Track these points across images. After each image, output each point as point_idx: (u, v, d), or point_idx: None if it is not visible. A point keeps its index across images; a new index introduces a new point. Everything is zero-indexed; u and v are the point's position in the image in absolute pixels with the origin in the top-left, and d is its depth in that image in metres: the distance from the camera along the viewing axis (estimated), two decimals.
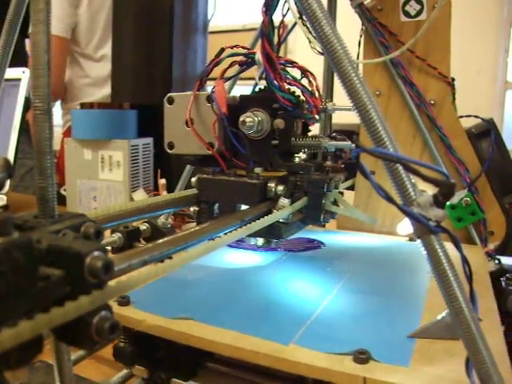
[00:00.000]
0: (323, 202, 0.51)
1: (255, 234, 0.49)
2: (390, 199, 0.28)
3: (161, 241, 0.30)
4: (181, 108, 0.51)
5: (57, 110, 1.60)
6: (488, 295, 0.51)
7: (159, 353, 0.44)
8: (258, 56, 0.48)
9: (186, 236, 0.32)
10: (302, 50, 0.91)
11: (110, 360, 0.52)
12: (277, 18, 0.49)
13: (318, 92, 0.53)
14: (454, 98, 0.76)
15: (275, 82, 0.48)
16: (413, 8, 0.75)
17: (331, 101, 0.63)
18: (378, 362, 0.36)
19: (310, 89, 0.52)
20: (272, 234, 0.49)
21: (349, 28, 0.70)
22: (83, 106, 1.05)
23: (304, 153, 0.55)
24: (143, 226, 0.42)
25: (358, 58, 0.79)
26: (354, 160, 0.61)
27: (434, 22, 0.70)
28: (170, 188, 0.93)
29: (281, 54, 0.51)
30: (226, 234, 0.37)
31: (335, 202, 0.53)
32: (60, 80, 1.48)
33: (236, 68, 0.53)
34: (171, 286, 0.50)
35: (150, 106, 1.11)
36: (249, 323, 0.41)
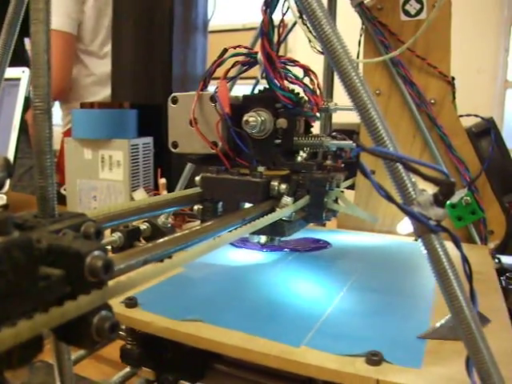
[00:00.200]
0: (325, 200, 0.51)
1: (259, 232, 0.50)
2: (390, 198, 0.28)
3: (161, 240, 0.30)
4: (185, 108, 0.51)
5: (56, 109, 1.59)
6: (496, 295, 0.50)
7: (166, 354, 0.43)
8: (260, 55, 0.48)
9: (187, 235, 0.32)
10: (302, 49, 0.91)
11: (110, 359, 0.52)
12: (277, 16, 0.49)
13: (320, 90, 0.53)
14: (454, 97, 0.76)
15: (275, 80, 0.48)
16: (413, 7, 0.75)
17: (332, 100, 0.63)
18: (390, 363, 0.35)
19: (311, 87, 0.52)
20: (275, 232, 0.49)
21: (349, 27, 0.70)
22: (83, 105, 1.05)
23: (305, 152, 0.55)
24: (143, 226, 0.42)
25: (357, 57, 0.79)
26: (354, 159, 0.61)
27: (434, 21, 0.70)
28: (170, 187, 0.93)
29: (281, 53, 0.51)
30: (230, 231, 0.37)
31: (336, 201, 0.54)
32: (67, 76, 1.46)
33: (237, 68, 0.53)
34: (178, 287, 0.50)
35: (150, 106, 1.12)
36: (258, 324, 0.41)
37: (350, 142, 0.54)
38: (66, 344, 0.22)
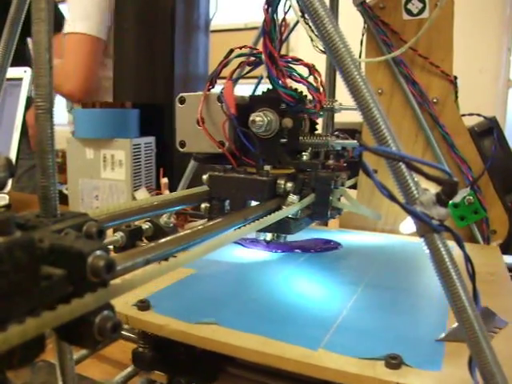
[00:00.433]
0: (330, 198, 0.52)
1: (265, 230, 0.51)
2: (392, 198, 0.28)
3: (163, 240, 0.30)
4: (192, 108, 0.52)
5: (56, 109, 1.59)
6: (511, 296, 0.50)
7: (179, 357, 0.43)
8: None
9: (189, 235, 0.32)
10: (304, 48, 0.90)
11: (112, 359, 0.52)
12: (279, 15, 0.49)
13: (323, 87, 0.54)
14: (456, 97, 0.76)
15: (277, 78, 0.49)
16: (415, 6, 0.75)
17: (336, 100, 0.63)
18: (409, 367, 0.35)
19: (315, 85, 0.53)
20: (281, 229, 0.50)
21: (351, 26, 0.70)
22: (85, 105, 1.05)
23: (306, 151, 0.55)
24: (145, 225, 0.42)
25: (360, 56, 0.79)
26: (356, 158, 0.61)
27: (437, 20, 0.70)
28: (172, 187, 0.93)
29: (283, 52, 0.51)
30: (238, 228, 0.37)
31: (339, 199, 0.54)
32: (92, 77, 1.45)
33: (243, 68, 0.54)
34: (190, 289, 0.49)
35: (152, 105, 1.12)
36: (273, 327, 0.40)
37: (354, 141, 0.55)
38: (68, 344, 0.22)
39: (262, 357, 0.37)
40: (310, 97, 0.53)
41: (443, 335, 0.39)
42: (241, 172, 0.50)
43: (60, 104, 1.61)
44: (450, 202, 0.28)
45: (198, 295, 0.48)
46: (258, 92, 0.56)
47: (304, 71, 0.53)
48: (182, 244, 0.31)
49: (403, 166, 0.28)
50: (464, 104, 0.77)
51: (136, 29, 1.15)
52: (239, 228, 0.37)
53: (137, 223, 0.41)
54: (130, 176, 0.98)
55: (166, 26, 1.12)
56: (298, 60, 0.52)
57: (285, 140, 0.51)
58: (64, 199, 1.04)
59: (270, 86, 0.51)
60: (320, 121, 0.59)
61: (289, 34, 0.82)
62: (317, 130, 0.57)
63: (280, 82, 0.49)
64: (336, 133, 0.56)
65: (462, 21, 0.90)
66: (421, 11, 0.74)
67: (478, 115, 0.77)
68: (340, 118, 0.82)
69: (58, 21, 1.28)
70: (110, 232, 0.38)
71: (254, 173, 0.49)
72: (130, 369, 0.48)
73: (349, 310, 0.45)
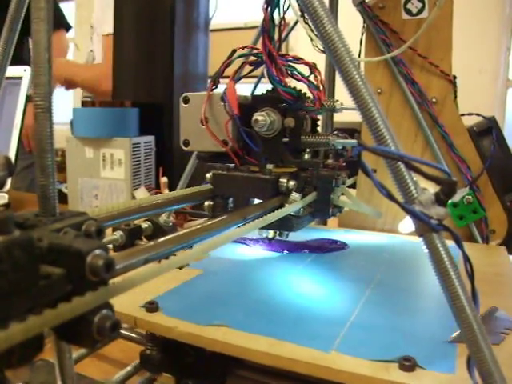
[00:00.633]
0: (331, 196, 0.53)
1: (268, 227, 0.52)
2: (391, 197, 0.28)
3: (162, 239, 0.30)
4: (196, 107, 0.53)
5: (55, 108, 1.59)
6: None
7: (187, 359, 0.42)
8: None
9: (188, 234, 0.32)
10: (303, 47, 0.90)
11: (111, 358, 0.52)
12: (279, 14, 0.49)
13: (323, 85, 0.54)
14: (455, 96, 0.76)
15: (276, 77, 0.49)
16: (414, 6, 0.75)
17: (338, 100, 0.63)
18: (424, 369, 0.34)
19: (315, 83, 0.53)
20: (284, 227, 0.51)
21: (350, 26, 0.70)
22: (85, 103, 1.05)
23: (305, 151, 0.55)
24: (145, 224, 0.42)
25: (359, 55, 0.79)
26: (355, 158, 0.61)
27: (436, 19, 0.70)
28: (172, 186, 0.92)
29: (283, 51, 0.52)
30: (243, 225, 0.38)
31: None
32: None
33: (245, 68, 0.54)
34: (198, 291, 0.49)
35: (152, 104, 1.12)
36: (285, 329, 0.40)
37: (355, 140, 0.55)
38: (67, 343, 0.22)
39: (274, 359, 0.37)
40: (311, 96, 0.53)
41: (454, 336, 0.39)
42: (244, 170, 0.51)
43: (59, 103, 1.61)
44: (449, 201, 0.28)
45: (206, 296, 0.48)
46: (259, 91, 0.57)
47: (305, 70, 0.53)
48: (182, 243, 0.31)
49: (402, 166, 0.28)
50: (463, 104, 0.77)
51: (135, 28, 1.15)
52: (243, 225, 0.38)
53: (136, 222, 0.41)
54: (129, 175, 0.98)
55: (165, 25, 1.12)
56: (299, 59, 0.53)
57: (287, 139, 0.52)
58: (63, 198, 1.04)
59: (272, 86, 0.51)
60: (319, 121, 0.59)
61: (288, 33, 0.82)
62: (318, 129, 0.57)
63: (279, 80, 0.50)
64: (335, 132, 0.56)
65: (462, 20, 0.90)
66: (420, 11, 0.74)
67: (477, 115, 0.77)
68: (339, 117, 0.82)
69: (57, 19, 1.29)
70: (109, 231, 0.38)
71: (257, 171, 0.50)
72: (129, 368, 0.48)
73: (359, 311, 0.44)
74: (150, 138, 1.07)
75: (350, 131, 0.66)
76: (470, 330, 0.28)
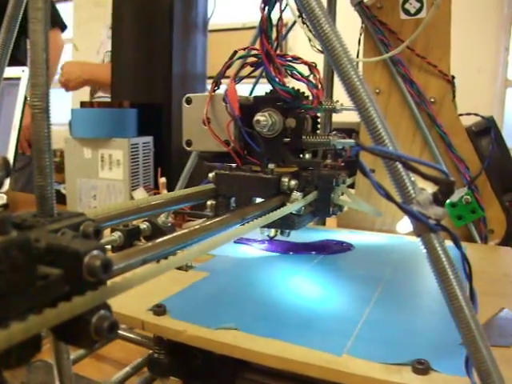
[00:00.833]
0: (332, 195, 0.54)
1: (270, 226, 0.53)
2: (389, 197, 0.28)
3: (160, 239, 0.30)
4: (198, 108, 0.54)
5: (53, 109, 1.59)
6: None
7: (195, 363, 0.42)
8: None
9: (187, 234, 0.32)
10: (301, 48, 0.90)
11: (110, 358, 0.52)
12: (276, 14, 0.49)
13: (321, 84, 0.54)
14: (454, 96, 0.76)
15: (274, 76, 0.50)
16: (412, 6, 0.75)
17: (338, 100, 0.63)
18: (437, 372, 0.34)
19: (314, 82, 0.53)
20: (286, 225, 0.52)
21: (348, 26, 0.70)
22: (83, 104, 1.05)
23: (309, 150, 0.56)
24: (143, 225, 0.42)
25: (357, 56, 0.79)
26: (353, 158, 0.61)
27: (434, 19, 0.70)
28: (170, 187, 0.92)
29: (282, 51, 0.52)
30: (246, 223, 0.38)
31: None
32: None
33: (246, 68, 0.55)
34: (205, 293, 0.49)
35: (150, 105, 1.12)
36: (295, 332, 0.39)
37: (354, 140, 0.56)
38: (65, 343, 0.22)
39: (286, 363, 0.36)
40: (310, 95, 0.54)
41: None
42: (246, 170, 0.52)
43: (57, 104, 1.61)
44: (448, 201, 0.28)
45: (213, 299, 0.47)
46: (257, 91, 0.57)
47: (304, 70, 0.54)
48: (180, 243, 0.31)
49: (400, 166, 0.28)
50: (462, 104, 0.77)
51: (134, 28, 1.15)
52: (245, 224, 0.38)
53: (135, 223, 0.41)
54: (127, 176, 0.98)
55: (164, 25, 1.12)
56: (298, 59, 0.53)
57: (288, 139, 0.53)
58: (62, 199, 1.04)
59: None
60: (319, 119, 0.59)
61: (287, 32, 0.82)
62: (319, 129, 0.58)
63: (277, 79, 0.50)
64: (334, 132, 0.57)
65: (460, 20, 0.90)
66: (418, 11, 0.74)
67: (476, 115, 0.77)
68: (338, 117, 0.81)
69: (51, 18, 1.29)
70: (107, 232, 0.38)
71: (259, 171, 0.51)
72: (127, 368, 0.48)
73: (369, 313, 0.44)
74: (149, 139, 1.07)
75: (348, 131, 0.65)
76: (469, 330, 0.28)
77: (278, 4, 0.49)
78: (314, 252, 0.63)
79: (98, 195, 1.01)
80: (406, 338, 0.39)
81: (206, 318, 0.42)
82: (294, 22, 0.74)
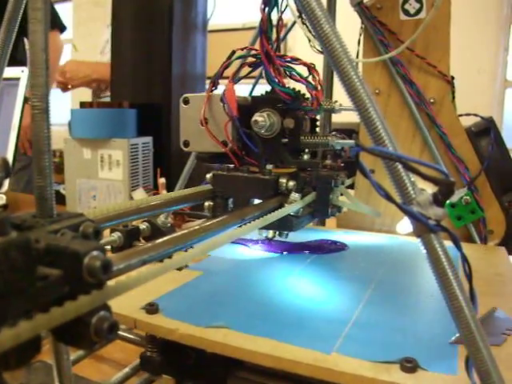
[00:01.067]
0: (330, 196, 0.54)
1: (268, 227, 0.53)
2: (389, 198, 0.28)
3: (160, 240, 0.30)
4: (196, 108, 0.53)
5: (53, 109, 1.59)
6: None
7: (188, 361, 0.42)
8: None
9: (186, 235, 0.32)
10: (301, 48, 0.91)
11: (109, 359, 0.52)
12: (276, 15, 0.49)
13: (321, 86, 0.54)
14: (453, 97, 0.76)
15: (273, 77, 0.50)
16: (412, 6, 0.75)
17: (337, 101, 0.63)
18: (425, 370, 0.34)
19: (313, 83, 0.53)
20: (284, 227, 0.51)
21: (348, 26, 0.70)
22: (82, 105, 1.05)
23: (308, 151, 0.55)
24: (143, 225, 0.42)
25: (357, 56, 0.79)
26: (353, 159, 0.61)
27: (434, 20, 0.70)
28: (170, 187, 0.92)
29: (281, 52, 0.52)
30: (244, 225, 0.38)
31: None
32: None
33: (244, 69, 0.54)
34: (198, 292, 0.49)
35: (150, 105, 1.12)
36: (286, 331, 0.40)
37: (353, 141, 0.55)
38: (65, 344, 0.22)
39: (275, 361, 0.36)
40: (309, 96, 0.53)
41: (456, 337, 0.39)
42: (244, 171, 0.51)
43: (57, 104, 1.61)
44: (448, 201, 0.28)
45: (207, 298, 0.48)
46: (257, 91, 0.57)
47: (303, 71, 0.54)
48: (179, 244, 0.31)
49: (400, 166, 0.28)
50: (461, 104, 0.77)
51: (133, 28, 1.15)
52: (243, 225, 0.38)
53: (134, 223, 0.41)
54: (127, 176, 0.98)
55: (163, 26, 1.12)
56: (297, 59, 0.53)
57: (286, 140, 0.53)
58: (61, 199, 1.04)
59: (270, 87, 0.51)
60: (318, 121, 0.59)
61: (286, 33, 0.82)
62: (317, 130, 0.58)
63: (276, 80, 0.50)
64: (333, 133, 0.57)
65: (460, 21, 0.90)
66: (418, 11, 0.74)
67: (475, 115, 0.77)
68: (337, 118, 0.82)
69: (51, 19, 1.29)
70: (107, 232, 0.37)
71: (257, 172, 0.51)
72: (127, 369, 0.48)
73: (360, 313, 0.44)
74: (148, 139, 1.07)
75: (348, 132, 0.66)
76: (469, 331, 0.28)
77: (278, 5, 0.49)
78: (307, 252, 0.64)
79: (97, 196, 1.01)
80: (395, 337, 0.40)
81: (198, 316, 0.42)
82: (294, 23, 0.74)
